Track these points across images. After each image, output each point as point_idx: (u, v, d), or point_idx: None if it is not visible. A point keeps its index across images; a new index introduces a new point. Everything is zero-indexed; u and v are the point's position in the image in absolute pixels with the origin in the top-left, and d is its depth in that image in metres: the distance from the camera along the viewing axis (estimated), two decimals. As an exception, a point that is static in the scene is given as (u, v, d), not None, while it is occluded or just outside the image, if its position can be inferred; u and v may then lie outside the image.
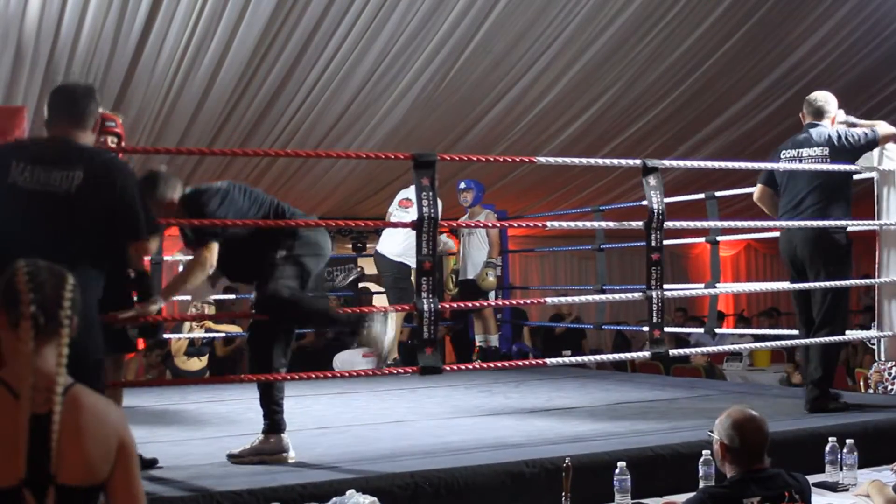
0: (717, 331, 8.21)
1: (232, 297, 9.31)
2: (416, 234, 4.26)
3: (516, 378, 7.00)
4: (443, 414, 5.39)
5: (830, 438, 4.01)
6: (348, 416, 5.34)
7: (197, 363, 8.22)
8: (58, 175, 3.08)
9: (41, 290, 1.94)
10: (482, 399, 6.04)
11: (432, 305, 4.21)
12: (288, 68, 8.27)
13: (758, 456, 2.96)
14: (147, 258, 3.65)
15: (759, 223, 5.92)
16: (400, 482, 3.46)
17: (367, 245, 10.76)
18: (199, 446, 4.38)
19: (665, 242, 4.81)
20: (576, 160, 5.77)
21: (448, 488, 3.52)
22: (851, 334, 6.26)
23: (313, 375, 4.37)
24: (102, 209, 3.13)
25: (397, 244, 7.08)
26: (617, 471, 3.57)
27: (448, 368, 4.54)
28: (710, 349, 6.50)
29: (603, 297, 6.21)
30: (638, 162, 4.87)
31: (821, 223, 5.04)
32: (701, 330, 7.96)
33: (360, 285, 11.05)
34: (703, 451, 3.61)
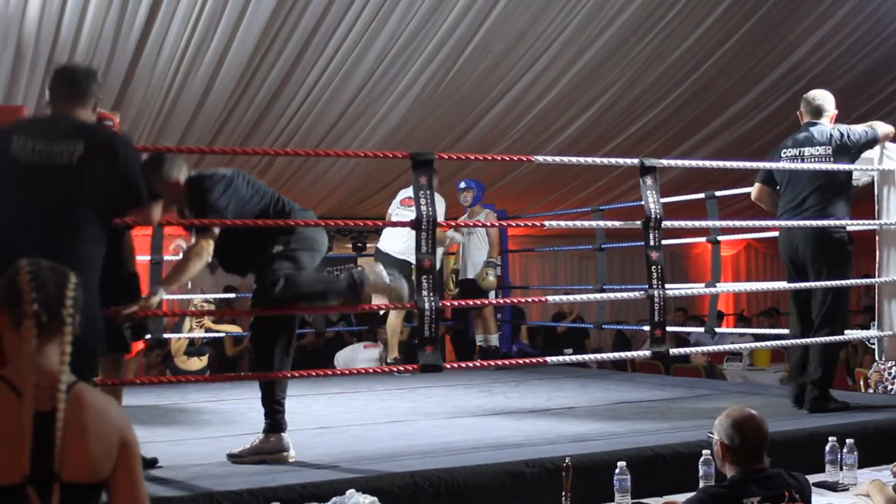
0: (718, 330, 8.22)
1: (232, 296, 9.32)
2: (415, 232, 4.27)
3: (516, 378, 7.00)
4: (442, 414, 5.39)
5: (830, 438, 4.01)
6: (348, 416, 5.34)
7: (197, 363, 8.22)
8: (59, 148, 3.14)
9: (44, 289, 1.95)
10: (482, 399, 6.04)
11: (433, 304, 4.21)
12: (288, 68, 8.27)
13: (758, 455, 2.96)
14: (151, 226, 3.69)
15: (759, 223, 5.91)
16: (400, 482, 3.46)
17: (367, 245, 10.76)
18: (199, 446, 4.38)
19: (665, 242, 4.82)
20: (574, 159, 5.79)
21: (448, 488, 3.52)
22: (851, 334, 6.27)
23: (314, 374, 4.37)
24: (104, 180, 3.17)
25: (400, 242, 7.07)
26: (617, 471, 3.57)
27: (448, 366, 4.54)
28: (710, 349, 6.51)
29: (603, 295, 6.20)
30: (636, 161, 4.88)
31: (824, 223, 5.04)
32: (701, 329, 7.97)
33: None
34: (703, 451, 3.61)
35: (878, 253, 5.55)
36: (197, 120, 8.48)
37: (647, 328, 4.95)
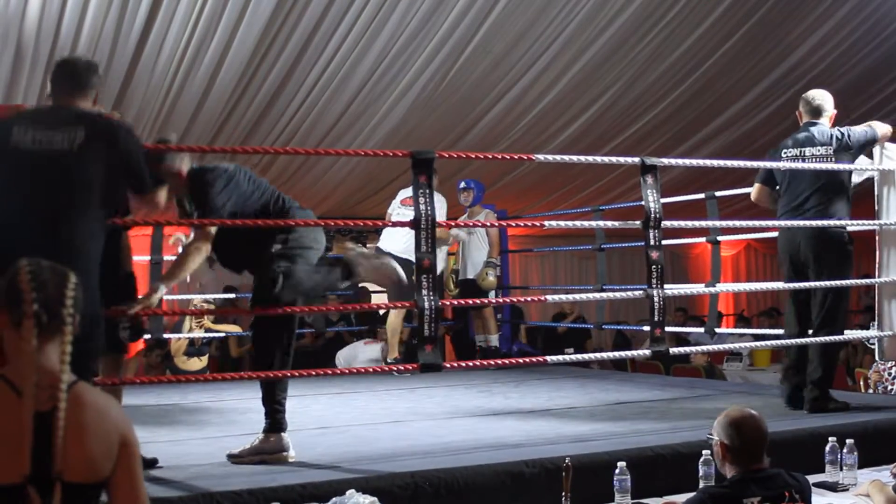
0: (717, 330, 8.22)
1: (232, 296, 9.32)
2: (414, 232, 4.26)
3: (516, 378, 7.00)
4: (442, 414, 5.39)
5: (830, 438, 4.01)
6: (348, 416, 5.34)
7: (197, 363, 8.22)
8: (59, 136, 3.17)
9: (44, 289, 1.95)
10: (482, 399, 6.04)
11: (433, 303, 4.21)
12: (288, 68, 8.27)
13: (757, 454, 2.96)
14: (157, 211, 3.70)
15: (759, 223, 5.91)
16: (400, 482, 3.46)
17: (367, 245, 10.76)
18: (199, 446, 4.38)
19: (665, 242, 4.81)
20: (574, 158, 5.78)
21: (448, 488, 3.51)
22: (851, 334, 6.27)
23: (314, 374, 4.37)
24: (105, 166, 3.20)
25: (401, 241, 7.07)
26: (617, 471, 3.57)
27: (448, 366, 4.54)
28: (710, 348, 6.51)
29: (604, 295, 6.20)
30: (636, 160, 4.87)
31: (826, 223, 5.03)
32: (701, 330, 7.97)
33: (360, 285, 11.06)
34: (703, 451, 3.61)
35: (878, 253, 5.55)
36: (197, 120, 8.48)
37: (647, 328, 4.95)
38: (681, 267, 13.48)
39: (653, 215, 4.68)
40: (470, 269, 8.03)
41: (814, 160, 5.09)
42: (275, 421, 3.93)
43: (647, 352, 5.14)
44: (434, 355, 4.24)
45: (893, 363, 6.67)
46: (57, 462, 1.84)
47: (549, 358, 4.97)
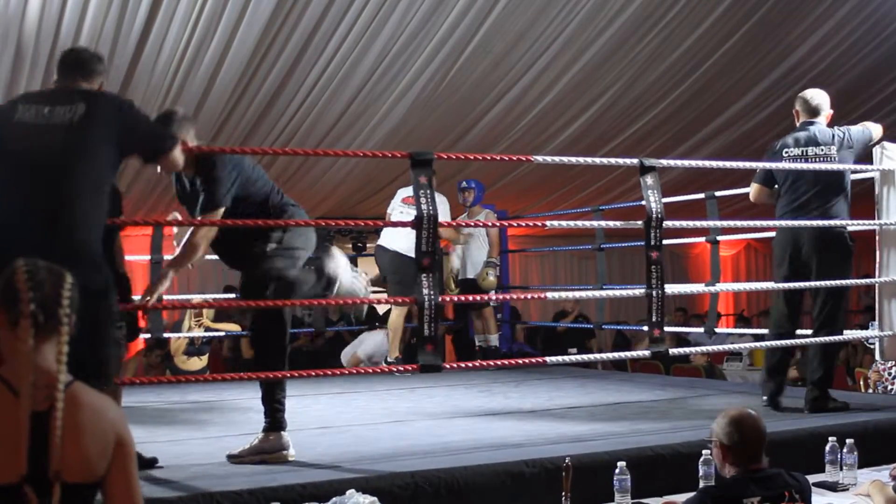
0: (717, 330, 8.22)
1: (232, 296, 9.32)
2: (416, 232, 4.26)
3: (516, 378, 7.00)
4: (443, 414, 5.39)
5: (830, 438, 4.01)
6: (348, 416, 5.34)
7: (197, 363, 8.22)
8: (60, 110, 3.24)
9: (41, 289, 1.95)
10: (482, 399, 6.04)
11: (433, 301, 4.21)
12: (288, 68, 8.27)
13: (756, 454, 2.96)
14: (175, 170, 3.78)
15: (759, 223, 5.91)
16: (400, 482, 3.47)
17: (367, 245, 10.76)
18: (199, 446, 4.38)
19: (665, 242, 4.80)
20: (573, 159, 5.80)
21: (448, 488, 3.52)
22: (851, 334, 6.27)
23: (314, 374, 4.37)
24: (107, 138, 3.26)
25: (404, 238, 7.07)
26: (617, 471, 3.57)
27: (448, 366, 4.54)
28: (711, 348, 6.51)
29: (603, 293, 6.21)
30: (635, 161, 4.87)
31: (830, 223, 5.03)
32: (701, 329, 7.97)
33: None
34: (703, 451, 3.61)
35: (878, 253, 5.55)
36: (197, 120, 8.43)
37: (646, 328, 4.95)
38: (681, 267, 13.48)
39: (654, 215, 4.68)
40: (470, 269, 8.03)
41: (817, 160, 5.08)
42: (274, 420, 3.93)
43: (647, 352, 5.14)
44: (434, 355, 4.23)
45: (893, 363, 6.67)
46: (54, 462, 1.84)
47: (548, 358, 4.97)
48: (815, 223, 5.03)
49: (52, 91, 3.44)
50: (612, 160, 5.64)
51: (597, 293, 6.33)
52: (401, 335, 7.65)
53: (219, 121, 8.59)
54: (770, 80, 10.10)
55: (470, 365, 6.11)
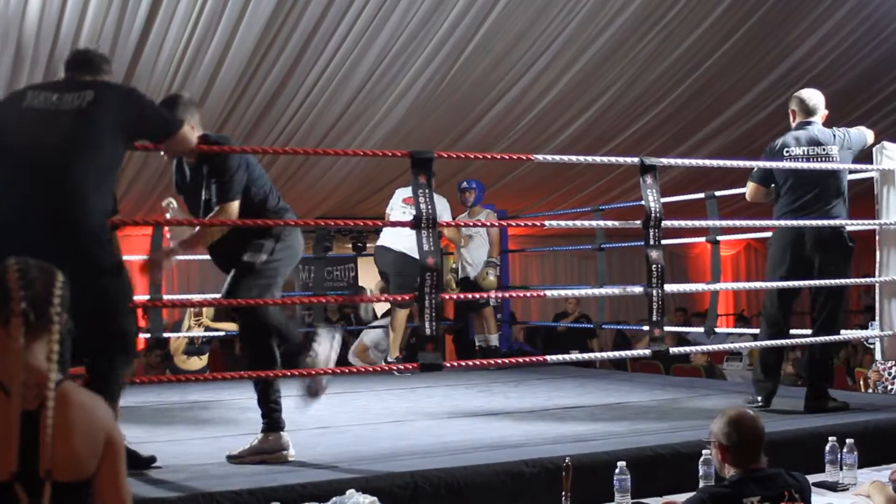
0: (717, 330, 8.22)
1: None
2: (416, 232, 4.26)
3: (516, 378, 7.00)
4: (442, 414, 5.39)
5: (830, 438, 4.01)
6: (348, 416, 5.34)
7: (197, 362, 8.22)
8: (69, 97, 3.32)
9: (31, 287, 1.95)
10: (482, 399, 6.04)
11: (433, 301, 4.20)
12: (288, 68, 8.27)
13: (755, 453, 2.96)
14: (188, 149, 3.82)
15: (759, 223, 5.90)
16: (400, 482, 3.46)
17: (367, 245, 10.76)
18: (199, 446, 4.38)
19: (665, 242, 4.80)
20: (574, 158, 5.80)
21: (448, 488, 3.51)
22: (851, 334, 6.27)
23: (313, 373, 4.36)
24: (114, 124, 3.33)
25: (407, 238, 7.06)
26: (617, 471, 3.57)
27: (448, 366, 4.54)
28: (711, 348, 6.50)
29: (603, 291, 6.20)
30: (636, 160, 4.87)
31: (832, 222, 5.02)
32: (700, 329, 7.97)
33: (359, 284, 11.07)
34: (703, 451, 3.61)
35: (878, 253, 5.55)
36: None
37: (646, 328, 4.95)
38: (681, 267, 13.48)
39: (653, 215, 4.68)
40: (470, 269, 8.03)
41: (818, 159, 5.07)
42: (272, 420, 3.93)
43: (647, 351, 5.13)
44: (434, 355, 4.23)
45: (893, 363, 6.67)
46: (44, 461, 1.84)
47: (549, 358, 4.97)
48: (817, 223, 5.02)
49: (61, 81, 3.50)
50: (613, 159, 5.65)
51: (597, 291, 6.31)
52: (402, 335, 7.65)
53: (219, 121, 8.59)
54: (770, 80, 10.10)
55: (470, 364, 6.10)
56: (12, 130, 3.32)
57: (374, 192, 10.32)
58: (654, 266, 4.71)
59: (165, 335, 7.74)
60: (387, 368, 6.02)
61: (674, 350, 5.22)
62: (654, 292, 4.70)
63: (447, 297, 5.22)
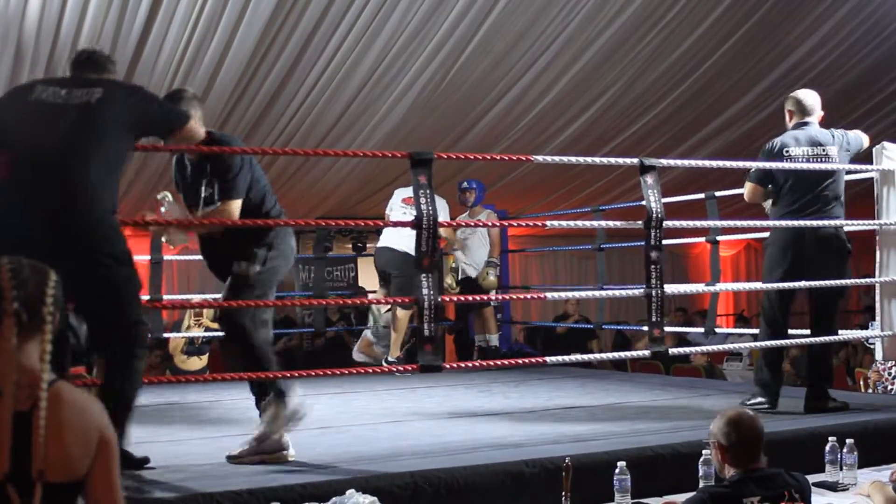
0: (717, 330, 8.22)
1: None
2: (416, 232, 4.26)
3: (516, 378, 7.00)
4: (442, 414, 5.39)
5: (830, 438, 4.01)
6: (348, 416, 5.34)
7: (197, 363, 8.22)
8: (78, 92, 3.36)
9: (24, 287, 1.93)
10: (482, 399, 6.03)
11: (433, 301, 4.20)
12: (288, 68, 8.27)
13: (754, 453, 2.96)
14: (196, 141, 3.82)
15: (759, 223, 5.89)
16: (400, 482, 3.46)
17: (367, 245, 10.76)
18: (199, 446, 4.38)
19: (665, 242, 4.80)
20: (573, 159, 5.81)
21: (448, 488, 3.51)
22: (851, 334, 6.28)
23: (314, 374, 4.37)
24: (123, 117, 3.38)
25: (408, 239, 7.05)
26: (617, 471, 3.57)
27: (448, 366, 4.54)
28: (711, 348, 6.50)
29: (603, 293, 6.21)
30: (635, 161, 4.87)
31: (832, 222, 5.02)
32: (700, 330, 7.97)
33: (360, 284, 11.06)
34: (703, 451, 3.61)
35: (878, 253, 5.55)
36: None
37: (646, 328, 4.94)
38: (681, 267, 13.48)
39: (654, 215, 4.68)
40: (471, 269, 8.03)
41: (817, 160, 5.06)
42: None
43: (647, 352, 5.13)
44: (434, 356, 4.23)
45: (893, 363, 6.67)
46: (37, 461, 1.84)
47: (548, 358, 4.97)
48: (817, 223, 5.01)
49: (69, 78, 3.54)
50: (613, 159, 5.65)
51: (597, 293, 6.32)
52: (404, 335, 7.64)
53: (219, 121, 8.59)
54: (770, 80, 10.11)
55: (470, 365, 6.11)
56: (20, 121, 3.35)
57: (374, 192, 10.32)
58: (653, 266, 4.70)
59: (165, 335, 7.74)
60: (387, 369, 6.02)
61: (673, 350, 5.22)
62: (654, 293, 4.70)
63: (447, 299, 5.22)
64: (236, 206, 3.88)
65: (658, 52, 9.34)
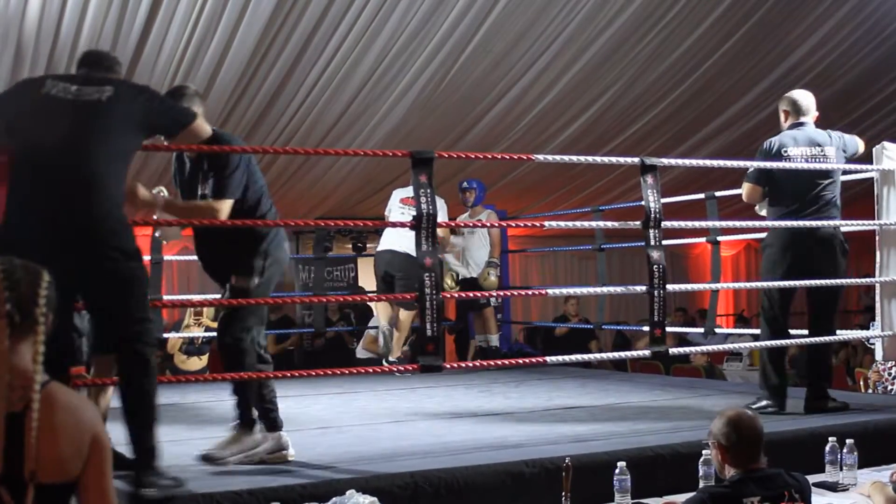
0: (718, 331, 8.22)
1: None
2: (415, 231, 4.26)
3: (516, 378, 7.00)
4: (443, 414, 5.39)
5: (830, 438, 4.01)
6: (348, 416, 5.34)
7: (197, 362, 8.21)
8: (88, 89, 3.37)
9: (17, 288, 1.93)
10: (482, 399, 6.04)
11: (434, 301, 4.20)
12: (288, 68, 8.27)
13: (754, 453, 2.96)
14: (201, 139, 3.81)
15: (759, 223, 5.89)
16: (400, 482, 3.46)
17: (367, 245, 10.76)
18: (199, 446, 4.37)
19: (665, 242, 4.80)
20: (574, 158, 5.80)
21: (448, 488, 3.51)
22: (851, 334, 6.28)
23: (314, 374, 4.37)
24: (133, 116, 3.40)
25: (408, 238, 7.04)
26: (617, 471, 3.57)
27: (448, 366, 4.53)
28: (711, 348, 6.50)
29: (604, 289, 6.20)
30: (636, 160, 4.87)
31: (831, 223, 5.02)
32: (700, 330, 7.97)
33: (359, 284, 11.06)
34: (703, 451, 3.61)
35: (878, 253, 5.55)
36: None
37: (647, 328, 4.94)
38: (681, 267, 13.48)
39: (653, 215, 4.68)
40: (471, 269, 8.03)
41: (816, 160, 5.06)
42: (269, 420, 3.93)
43: (647, 352, 5.13)
44: (434, 356, 4.23)
45: (893, 363, 6.68)
46: (29, 462, 1.83)
47: (549, 358, 4.97)
48: (817, 223, 5.01)
49: (78, 75, 3.55)
50: (613, 159, 5.65)
51: (597, 289, 6.31)
52: (405, 336, 7.64)
53: (219, 121, 8.58)
54: (770, 80, 10.11)
55: (470, 365, 6.10)
56: (30, 115, 3.36)
57: (374, 192, 10.32)
58: (655, 266, 4.70)
59: (165, 335, 7.73)
60: (387, 369, 6.01)
61: (673, 350, 5.22)
62: (656, 293, 4.70)
63: (447, 296, 5.22)
64: (227, 205, 3.84)
65: (658, 52, 9.34)
